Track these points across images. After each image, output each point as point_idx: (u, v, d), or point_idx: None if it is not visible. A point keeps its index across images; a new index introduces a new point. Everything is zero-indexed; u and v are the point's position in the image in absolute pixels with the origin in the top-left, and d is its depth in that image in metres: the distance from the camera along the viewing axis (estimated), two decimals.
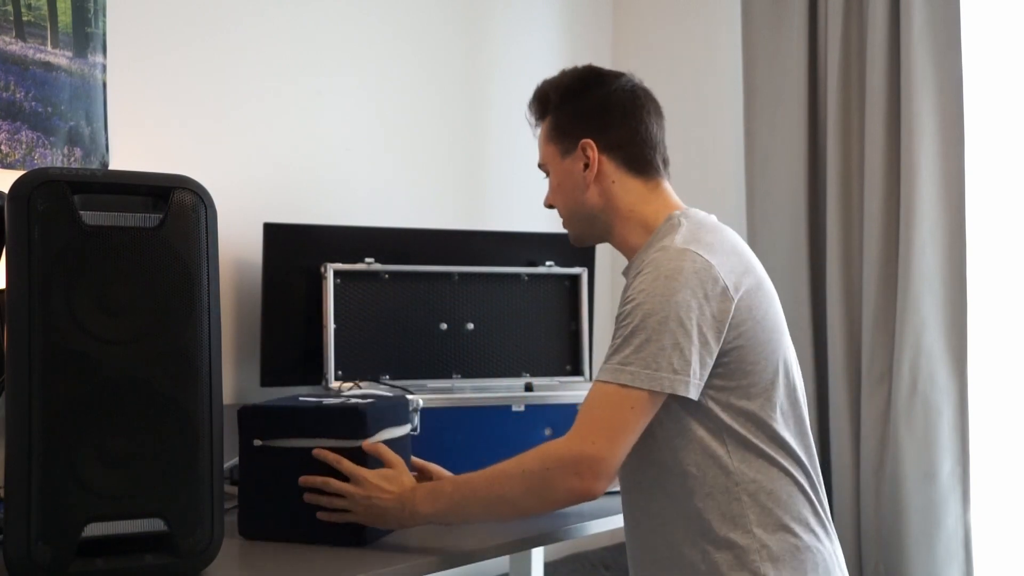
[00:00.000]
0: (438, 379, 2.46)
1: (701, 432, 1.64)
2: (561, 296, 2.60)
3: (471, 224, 3.02)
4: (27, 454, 1.49)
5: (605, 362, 1.62)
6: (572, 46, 3.40)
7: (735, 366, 1.63)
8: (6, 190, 1.54)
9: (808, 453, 1.71)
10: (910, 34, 2.75)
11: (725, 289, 1.61)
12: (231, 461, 1.94)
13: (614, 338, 1.63)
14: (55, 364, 1.51)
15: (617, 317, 1.64)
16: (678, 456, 1.65)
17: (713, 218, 1.77)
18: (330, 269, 2.37)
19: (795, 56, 3.00)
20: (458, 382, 2.47)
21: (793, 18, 3.01)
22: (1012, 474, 2.80)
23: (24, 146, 2.10)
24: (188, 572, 1.60)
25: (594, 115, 1.78)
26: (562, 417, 2.27)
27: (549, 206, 1.87)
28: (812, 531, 1.67)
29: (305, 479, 1.78)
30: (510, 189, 3.18)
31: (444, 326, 2.49)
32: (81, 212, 1.53)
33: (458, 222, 2.99)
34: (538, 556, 2.66)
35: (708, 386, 1.62)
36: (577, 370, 2.60)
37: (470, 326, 2.50)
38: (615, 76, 1.83)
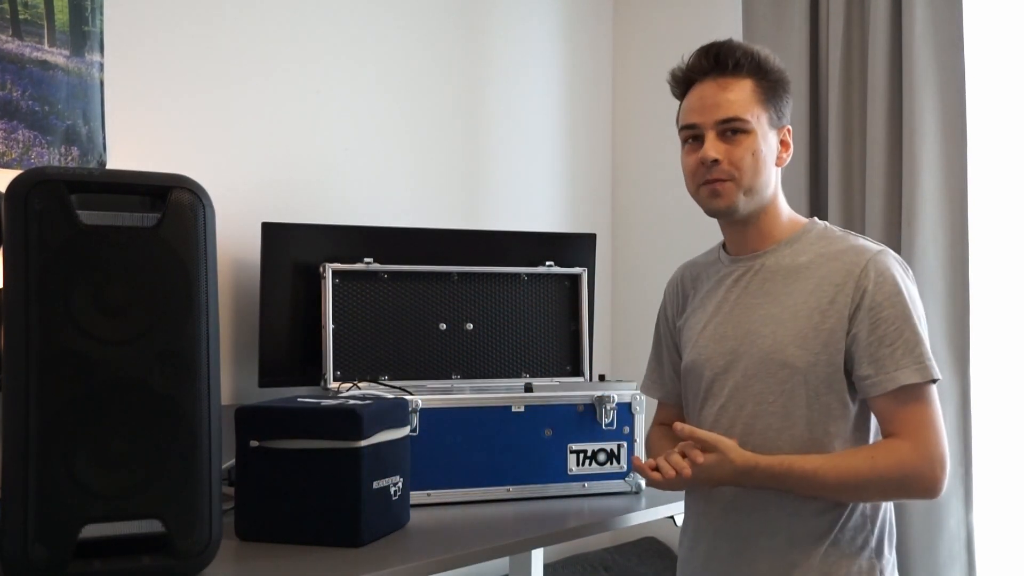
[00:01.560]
0: (437, 379, 2.45)
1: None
2: (561, 296, 2.60)
3: (471, 224, 3.02)
4: (24, 454, 1.49)
5: (900, 367, 1.69)
6: (572, 45, 3.39)
7: None
8: (3, 189, 1.53)
9: None
10: (912, 32, 2.74)
11: None
12: (229, 462, 1.93)
13: (880, 339, 1.70)
14: (52, 364, 1.50)
15: (876, 316, 1.71)
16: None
17: None
18: (329, 269, 2.36)
19: (796, 55, 2.99)
20: (457, 382, 2.46)
21: (794, 17, 3.01)
22: (1015, 475, 2.79)
23: (21, 145, 2.09)
24: (186, 573, 1.59)
25: (789, 110, 1.85)
26: (562, 417, 2.26)
27: (714, 161, 1.75)
28: None
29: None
30: (510, 189, 3.17)
31: (443, 326, 2.48)
32: (78, 211, 1.52)
33: (458, 222, 2.99)
34: (538, 557, 2.65)
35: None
36: (577, 370, 2.59)
37: (469, 326, 2.50)
38: None
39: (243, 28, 2.51)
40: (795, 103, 3.00)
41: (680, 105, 1.84)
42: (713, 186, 1.77)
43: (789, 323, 1.74)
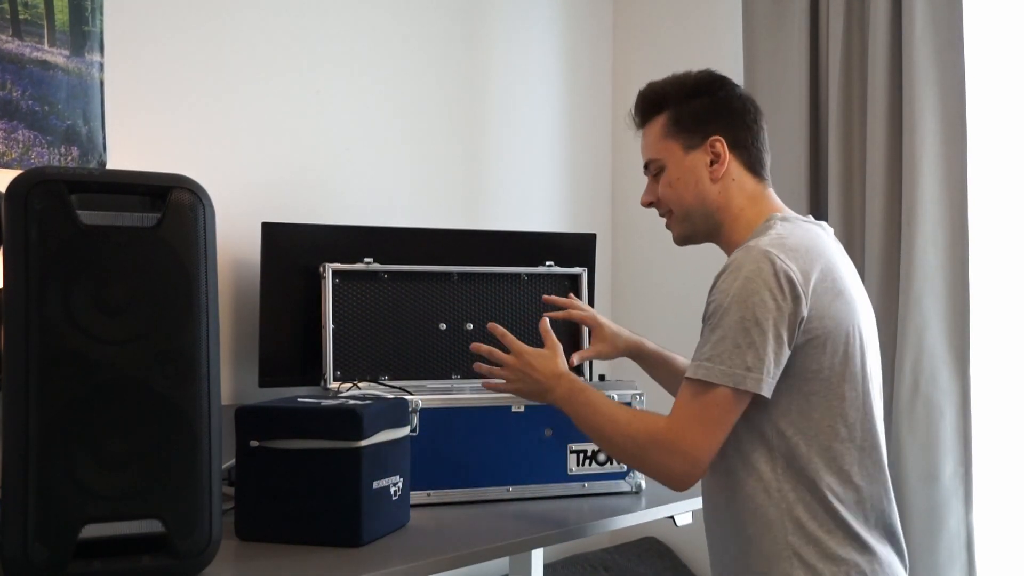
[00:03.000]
0: (437, 379, 2.45)
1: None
2: (561, 296, 2.59)
3: (471, 224, 3.02)
4: (24, 454, 1.49)
5: (693, 358, 1.70)
6: (572, 46, 3.39)
7: (801, 366, 1.68)
8: (3, 189, 1.53)
9: (868, 472, 1.78)
10: (912, 33, 2.74)
11: (802, 292, 1.66)
12: (229, 462, 1.93)
13: (701, 335, 1.71)
14: (52, 364, 1.50)
15: (704, 315, 1.72)
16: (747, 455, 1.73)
17: (810, 224, 1.82)
18: (329, 269, 2.36)
19: (796, 55, 2.99)
20: (457, 382, 2.46)
21: (794, 17, 3.00)
22: (1015, 475, 2.79)
23: (21, 145, 2.09)
24: (186, 573, 1.59)
25: (724, 113, 1.85)
26: (562, 417, 2.25)
27: (648, 204, 1.93)
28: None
29: (475, 346, 1.99)
30: (510, 189, 3.17)
31: (443, 326, 2.48)
32: (78, 211, 1.52)
33: (458, 222, 2.99)
34: (538, 557, 2.65)
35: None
36: (577, 370, 2.59)
37: (469, 326, 2.50)
38: (733, 82, 1.91)
39: (243, 28, 2.51)
40: (795, 104, 3.01)
41: None
42: (665, 223, 1.93)
43: None
